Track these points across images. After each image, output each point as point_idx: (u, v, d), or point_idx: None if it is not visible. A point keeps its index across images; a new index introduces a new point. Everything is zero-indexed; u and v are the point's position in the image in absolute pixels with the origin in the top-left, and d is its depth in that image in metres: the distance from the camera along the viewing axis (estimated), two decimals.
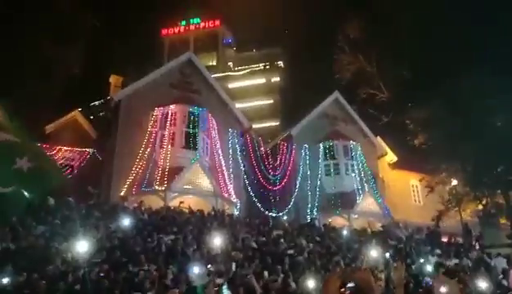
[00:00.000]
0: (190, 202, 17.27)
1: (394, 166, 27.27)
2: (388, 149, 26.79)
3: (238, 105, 26.75)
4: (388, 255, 12.33)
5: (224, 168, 20.35)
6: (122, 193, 17.73)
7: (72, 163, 22.24)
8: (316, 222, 18.77)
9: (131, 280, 8.93)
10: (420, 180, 24.81)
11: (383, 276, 10.44)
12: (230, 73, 58.24)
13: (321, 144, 23.44)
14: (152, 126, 19.54)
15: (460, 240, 19.59)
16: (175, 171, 18.28)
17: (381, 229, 19.22)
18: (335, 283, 4.23)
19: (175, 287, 8.75)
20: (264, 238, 14.03)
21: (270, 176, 22.40)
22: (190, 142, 19.34)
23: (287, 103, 51.33)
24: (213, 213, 16.13)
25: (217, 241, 11.04)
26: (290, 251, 12.73)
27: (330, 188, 22.66)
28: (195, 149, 19.26)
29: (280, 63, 59.87)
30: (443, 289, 9.61)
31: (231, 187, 20.11)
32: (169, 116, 19.56)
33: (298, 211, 21.63)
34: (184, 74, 21.60)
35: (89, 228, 11.23)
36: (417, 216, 23.63)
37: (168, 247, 11.32)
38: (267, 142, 26.13)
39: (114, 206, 15.03)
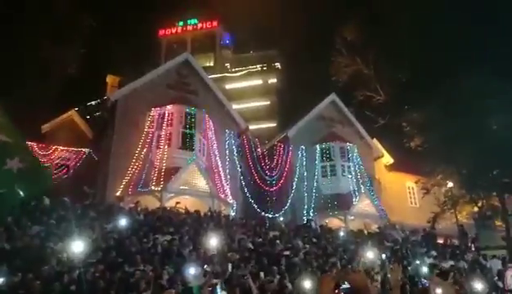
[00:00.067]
0: (187, 202, 17.24)
1: (390, 168, 27.36)
2: (384, 151, 26.88)
3: (235, 106, 26.73)
4: (384, 256, 12.35)
5: (221, 169, 20.34)
6: (118, 194, 17.68)
7: (68, 163, 22.18)
8: (313, 223, 18.78)
9: (126, 280, 8.90)
10: (416, 183, 24.88)
11: (379, 277, 10.47)
12: (227, 74, 58.17)
13: (317, 146, 23.49)
14: (149, 127, 19.51)
15: (456, 242, 19.67)
16: (171, 172, 18.24)
17: (377, 230, 19.27)
18: (329, 284, 4.25)
19: (171, 287, 8.72)
20: (260, 239, 14.03)
21: (266, 177, 22.41)
22: (187, 143, 19.32)
23: (284, 104, 51.39)
24: (209, 214, 16.11)
25: (213, 242, 11.02)
26: (287, 252, 12.73)
27: (327, 189, 22.72)
28: (191, 149, 19.24)
29: (278, 64, 59.85)
30: (439, 290, 9.64)
31: (227, 188, 20.09)
32: (166, 116, 19.53)
33: (294, 213, 21.64)
34: (181, 75, 21.59)
35: (85, 228, 11.18)
36: (413, 217, 23.71)
37: (164, 247, 11.29)
38: (264, 143, 26.15)
39: (109, 206, 14.98)
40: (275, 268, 10.87)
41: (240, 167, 21.71)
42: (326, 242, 15.16)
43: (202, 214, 15.88)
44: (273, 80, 58.46)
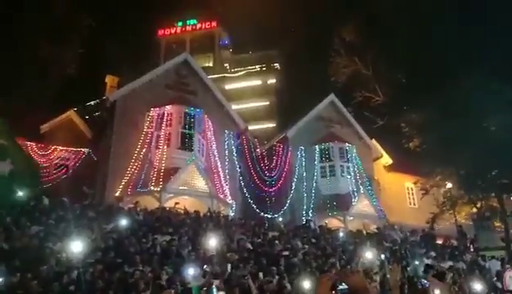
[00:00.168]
0: (186, 203, 17.25)
1: (389, 168, 27.39)
2: (383, 152, 26.91)
3: (234, 107, 26.74)
4: (383, 256, 12.36)
5: (220, 169, 20.33)
6: (117, 194, 17.66)
7: (67, 163, 22.15)
8: (312, 224, 18.77)
9: (125, 281, 8.89)
10: (415, 183, 24.91)
11: (378, 278, 10.48)
12: (226, 75, 58.17)
13: (316, 146, 23.51)
14: (148, 127, 19.50)
15: (455, 243, 19.69)
16: (170, 172, 18.23)
17: (376, 230, 19.28)
18: (326, 285, 4.25)
19: (170, 287, 8.72)
20: (260, 240, 14.04)
21: (266, 178, 22.40)
22: (186, 143, 19.32)
23: (283, 105, 51.40)
24: (208, 214, 16.10)
25: (212, 242, 11.03)
26: (286, 253, 12.73)
27: (326, 190, 22.73)
28: (190, 149, 19.24)
29: (277, 65, 59.88)
30: (437, 291, 9.65)
31: (226, 188, 20.09)
32: (165, 117, 19.52)
33: (293, 213, 21.64)
34: (180, 75, 21.58)
35: (84, 228, 11.18)
36: (412, 218, 23.74)
37: (163, 247, 11.29)
38: (263, 144, 26.14)
39: (109, 206, 14.98)
40: (274, 268, 10.87)
41: (240, 168, 21.70)
42: (325, 243, 15.17)
43: (201, 214, 15.88)
44: (272, 80, 58.48)
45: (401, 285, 10.27)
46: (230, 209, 19.49)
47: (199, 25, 59.15)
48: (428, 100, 21.11)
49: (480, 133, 19.93)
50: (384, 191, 25.40)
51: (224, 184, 20.07)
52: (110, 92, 22.42)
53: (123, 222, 12.53)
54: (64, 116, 25.18)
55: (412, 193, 27.16)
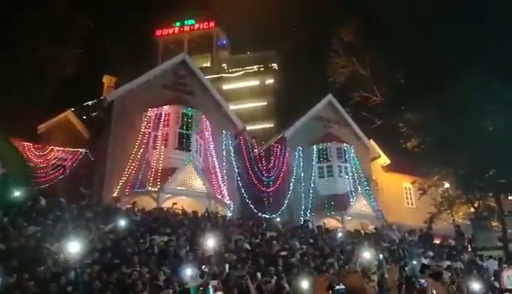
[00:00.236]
0: (184, 203, 17.21)
1: (387, 168, 27.41)
2: (381, 152, 26.94)
3: (232, 107, 26.72)
4: (381, 256, 12.36)
5: (217, 170, 20.30)
6: (114, 194, 17.61)
7: (64, 163, 22.07)
8: (310, 224, 18.77)
9: (123, 281, 8.87)
10: (413, 183, 24.94)
11: (376, 278, 10.47)
12: (224, 75, 58.11)
13: (314, 147, 23.51)
14: (145, 127, 19.45)
15: (453, 242, 19.72)
16: (168, 173, 18.20)
17: (374, 231, 19.30)
18: (323, 285, 4.26)
19: (168, 288, 8.71)
20: (257, 240, 14.03)
21: (263, 178, 22.39)
22: (184, 143, 19.29)
23: (281, 105, 51.35)
24: (206, 215, 16.08)
25: (210, 242, 11.00)
26: (284, 253, 12.72)
27: (324, 190, 22.72)
28: (188, 150, 19.21)
29: (275, 65, 59.86)
30: (435, 291, 9.66)
31: (224, 188, 20.05)
32: (163, 117, 19.49)
33: (291, 213, 21.64)
34: (178, 75, 21.55)
35: (81, 229, 11.14)
36: (410, 218, 23.77)
37: (161, 248, 11.26)
38: (261, 144, 26.14)
39: (106, 207, 14.93)
40: (272, 268, 10.88)
41: (237, 168, 21.68)
42: (323, 243, 15.17)
43: (199, 215, 15.85)
44: (270, 81, 58.47)
45: (399, 285, 10.27)
46: (228, 209, 19.45)
47: (197, 25, 59.08)
48: (428, 100, 21.13)
49: (479, 133, 19.97)
50: (382, 191, 25.43)
51: (222, 185, 20.03)
52: (107, 92, 22.39)
53: (121, 223, 12.49)
54: (61, 116, 25.05)
55: (410, 193, 27.20)
